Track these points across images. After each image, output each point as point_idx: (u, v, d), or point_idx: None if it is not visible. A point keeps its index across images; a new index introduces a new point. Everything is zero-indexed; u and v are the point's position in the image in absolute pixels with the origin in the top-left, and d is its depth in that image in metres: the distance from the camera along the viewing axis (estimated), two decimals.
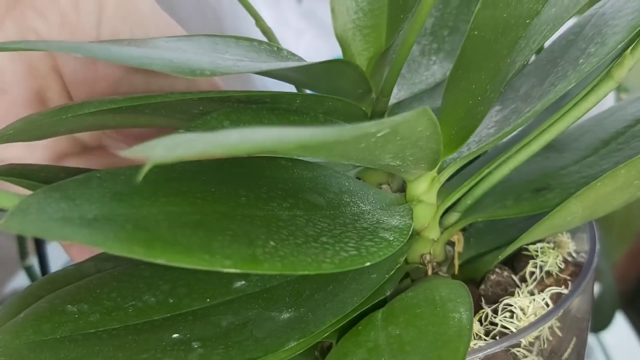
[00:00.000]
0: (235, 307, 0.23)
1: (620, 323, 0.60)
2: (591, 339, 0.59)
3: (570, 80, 0.23)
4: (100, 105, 0.20)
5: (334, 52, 0.48)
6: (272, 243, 0.18)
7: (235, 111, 0.21)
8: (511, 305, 0.25)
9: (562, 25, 0.20)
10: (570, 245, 0.29)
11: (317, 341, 0.22)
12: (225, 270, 0.16)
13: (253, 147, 0.13)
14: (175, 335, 0.22)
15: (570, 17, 0.20)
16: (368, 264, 0.19)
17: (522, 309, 0.25)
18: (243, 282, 0.24)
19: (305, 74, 0.24)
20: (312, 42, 0.52)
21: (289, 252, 0.18)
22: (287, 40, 0.52)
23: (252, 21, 0.31)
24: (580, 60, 0.24)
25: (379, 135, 0.17)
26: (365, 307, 0.23)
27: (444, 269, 0.29)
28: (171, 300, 0.23)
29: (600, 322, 0.56)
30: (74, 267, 0.26)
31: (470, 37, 0.25)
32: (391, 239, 0.21)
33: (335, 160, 0.21)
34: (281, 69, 0.21)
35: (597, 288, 0.62)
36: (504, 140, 0.30)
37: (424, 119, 0.18)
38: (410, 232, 0.22)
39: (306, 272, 0.17)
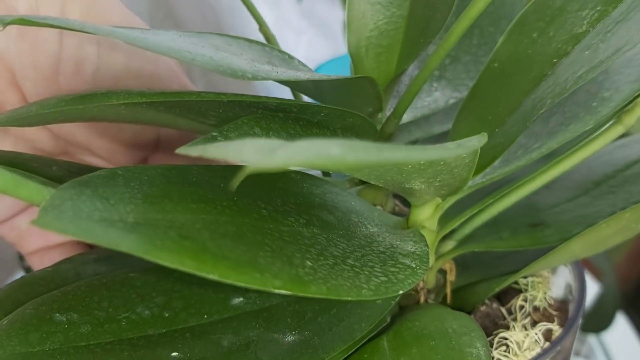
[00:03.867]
0: (235, 326, 0.22)
1: (621, 323, 0.60)
2: (592, 339, 0.59)
3: (586, 121, 0.24)
4: (129, 98, 0.18)
5: (333, 51, 0.47)
6: (308, 263, 0.17)
7: (264, 118, 0.20)
8: (507, 339, 0.25)
9: (599, 70, 0.20)
10: (550, 280, 0.30)
11: None
12: (276, 291, 0.15)
13: (360, 162, 0.12)
14: (174, 354, 0.20)
15: (610, 63, 0.20)
16: (401, 292, 0.18)
17: (517, 344, 0.25)
18: (241, 298, 0.23)
19: (326, 87, 0.23)
20: (313, 41, 0.50)
21: (327, 275, 0.17)
22: (288, 39, 0.50)
23: (252, 22, 0.30)
24: (594, 104, 0.24)
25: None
26: (370, 335, 0.22)
27: (432, 296, 0.28)
28: (166, 314, 0.21)
29: (602, 323, 0.56)
30: (52, 269, 0.24)
31: (490, 68, 0.25)
32: (414, 266, 0.20)
33: (368, 179, 0.20)
34: (311, 80, 0.20)
35: (598, 288, 0.62)
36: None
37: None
38: (428, 260, 0.21)
39: (348, 298, 0.16)
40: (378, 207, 0.29)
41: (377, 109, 0.26)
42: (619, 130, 0.25)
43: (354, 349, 0.22)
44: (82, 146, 0.28)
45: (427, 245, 0.22)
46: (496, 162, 0.27)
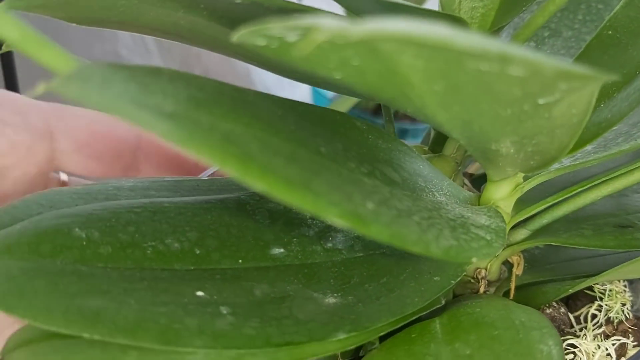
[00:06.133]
0: (272, 277, 0.19)
1: None
2: None
3: None
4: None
5: None
6: (370, 205, 0.14)
7: None
8: (576, 347, 0.22)
9: None
10: (625, 295, 0.26)
11: (368, 340, 0.18)
12: (330, 218, 0.12)
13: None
14: (199, 293, 0.17)
15: None
16: (474, 259, 0.15)
17: (587, 354, 0.21)
18: (282, 250, 0.20)
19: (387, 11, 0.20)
20: None
21: (390, 221, 0.14)
22: None
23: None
24: None
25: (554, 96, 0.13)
26: (422, 313, 0.20)
27: (492, 289, 0.25)
28: (198, 251, 0.19)
29: None
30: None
31: (602, 35, 0.22)
32: (488, 238, 0.17)
33: (451, 126, 0.17)
34: None
35: None
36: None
37: (586, 99, 0.15)
38: (505, 237, 0.18)
39: (414, 250, 0.14)
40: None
41: None
42: None
43: (401, 324, 0.19)
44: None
45: (504, 221, 0.19)
46: (589, 147, 0.23)
